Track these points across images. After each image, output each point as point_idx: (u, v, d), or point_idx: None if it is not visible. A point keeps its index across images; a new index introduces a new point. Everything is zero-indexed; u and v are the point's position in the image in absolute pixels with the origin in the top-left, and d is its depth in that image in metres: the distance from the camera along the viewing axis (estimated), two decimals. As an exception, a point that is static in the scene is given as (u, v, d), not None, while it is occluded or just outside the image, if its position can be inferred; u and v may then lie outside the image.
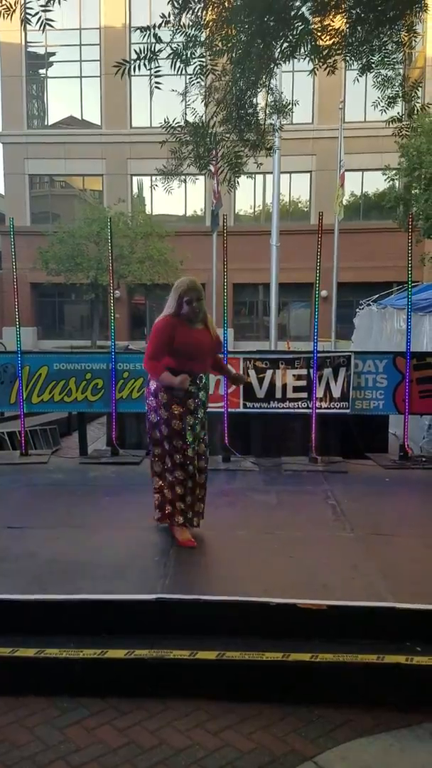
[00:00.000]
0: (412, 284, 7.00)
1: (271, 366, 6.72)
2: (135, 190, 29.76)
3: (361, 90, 21.88)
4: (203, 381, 4.32)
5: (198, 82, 5.25)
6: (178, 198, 28.58)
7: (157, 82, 4.47)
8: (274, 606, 3.47)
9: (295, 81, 22.69)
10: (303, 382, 6.70)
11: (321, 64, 4.88)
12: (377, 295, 14.51)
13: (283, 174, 19.92)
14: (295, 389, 6.76)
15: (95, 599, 3.56)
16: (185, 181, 6.74)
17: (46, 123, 30.33)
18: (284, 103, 5.83)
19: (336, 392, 6.73)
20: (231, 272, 7.02)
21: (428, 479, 6.20)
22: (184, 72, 4.94)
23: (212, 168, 6.58)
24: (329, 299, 21.24)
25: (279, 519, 4.96)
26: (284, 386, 6.71)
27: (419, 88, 5.64)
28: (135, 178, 29.51)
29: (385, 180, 17.22)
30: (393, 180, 17.33)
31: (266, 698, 3.16)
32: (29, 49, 29.33)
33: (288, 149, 20.01)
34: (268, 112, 5.76)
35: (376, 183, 24.91)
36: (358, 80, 5.22)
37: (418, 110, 5.90)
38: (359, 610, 3.43)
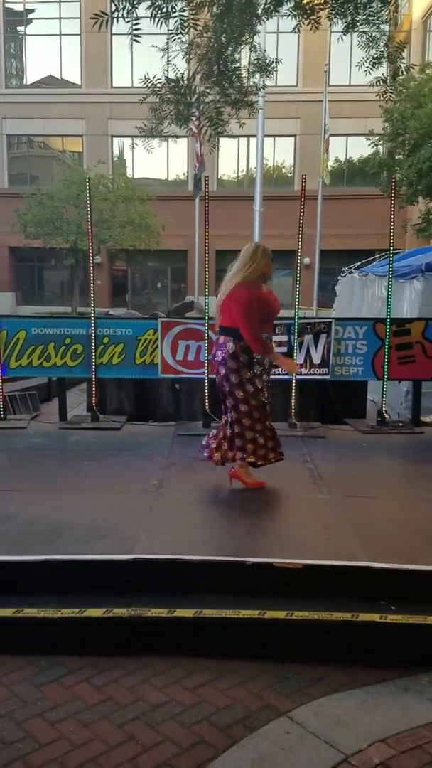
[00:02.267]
0: (394, 251, 6.98)
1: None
2: (116, 152, 29.18)
3: (346, 53, 21.56)
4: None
5: (179, 38, 5.10)
6: (160, 162, 28.10)
7: (135, 35, 4.33)
8: (251, 565, 3.51)
9: (279, 42, 22.23)
10: (283, 348, 6.68)
11: (304, 20, 4.76)
12: (359, 263, 14.46)
13: (267, 137, 19.62)
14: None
15: (73, 559, 3.58)
16: (167, 142, 6.61)
17: (24, 82, 29.53)
18: (267, 61, 5.69)
19: (316, 358, 6.73)
20: (214, 238, 6.94)
21: (404, 443, 6.27)
22: (164, 26, 4.79)
23: (194, 128, 6.45)
24: (312, 267, 21.16)
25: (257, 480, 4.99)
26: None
27: (404, 49, 5.53)
28: (116, 140, 28.92)
29: (369, 145, 17.04)
30: (377, 145, 17.14)
31: (242, 655, 3.21)
32: (7, 5, 28.39)
33: (272, 112, 19.70)
34: (251, 70, 5.63)
35: (360, 148, 24.66)
36: (342, 39, 5.13)
37: (402, 72, 5.79)
38: (334, 569, 3.48)
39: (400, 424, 6.73)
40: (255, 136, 16.49)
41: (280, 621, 3.25)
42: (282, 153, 28.00)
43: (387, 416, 6.67)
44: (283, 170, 28.59)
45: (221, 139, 20.81)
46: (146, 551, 3.64)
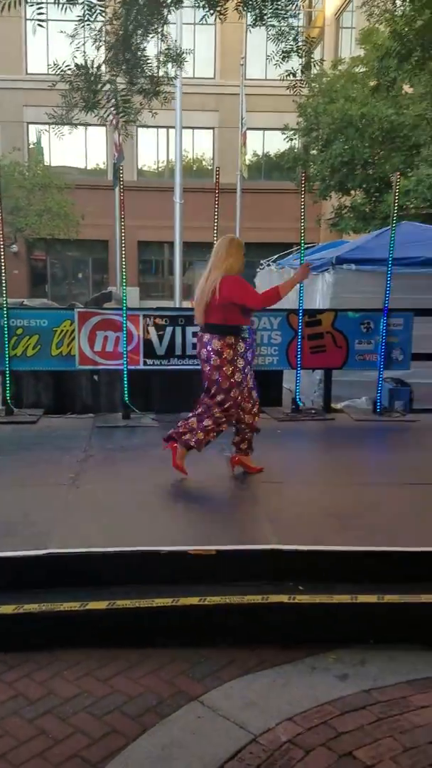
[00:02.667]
0: (309, 245, 7.13)
1: (170, 323, 6.69)
2: (32, 139, 28.41)
3: (262, 47, 21.76)
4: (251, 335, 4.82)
5: (87, 25, 5.01)
6: (79, 150, 27.56)
7: (39, 20, 4.22)
8: (165, 554, 3.53)
9: (196, 34, 22.19)
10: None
11: (211, 12, 4.77)
12: (276, 256, 14.68)
13: (186, 129, 19.59)
14: (195, 346, 6.77)
15: (-17, 556, 3.49)
16: (86, 130, 6.48)
17: None
18: (179, 51, 5.68)
19: (234, 349, 6.79)
20: (135, 229, 6.95)
21: (317, 430, 6.45)
22: (72, 12, 4.70)
23: (105, 117, 6.37)
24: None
25: (175, 472, 5.00)
26: (184, 343, 6.71)
27: (313, 43, 5.63)
28: (32, 127, 28.14)
29: (285, 140, 17.27)
30: (292, 140, 17.40)
31: (157, 643, 3.23)
32: None
33: (190, 104, 19.69)
34: (162, 60, 5.60)
35: (277, 143, 24.98)
36: (251, 31, 5.16)
37: (312, 65, 5.90)
38: (246, 553, 3.54)
39: (313, 411, 6.91)
40: (173, 127, 16.42)
41: (194, 607, 3.29)
42: (201, 145, 28.02)
43: (301, 404, 6.83)
44: (203, 162, 28.62)
45: (140, 129, 20.65)
46: (61, 546, 3.60)
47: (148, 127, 13.90)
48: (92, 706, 2.80)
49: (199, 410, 4.76)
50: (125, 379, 6.55)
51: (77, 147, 27.10)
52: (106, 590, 3.40)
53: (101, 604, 3.29)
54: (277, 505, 4.31)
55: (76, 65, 5.13)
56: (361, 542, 3.67)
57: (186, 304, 20.50)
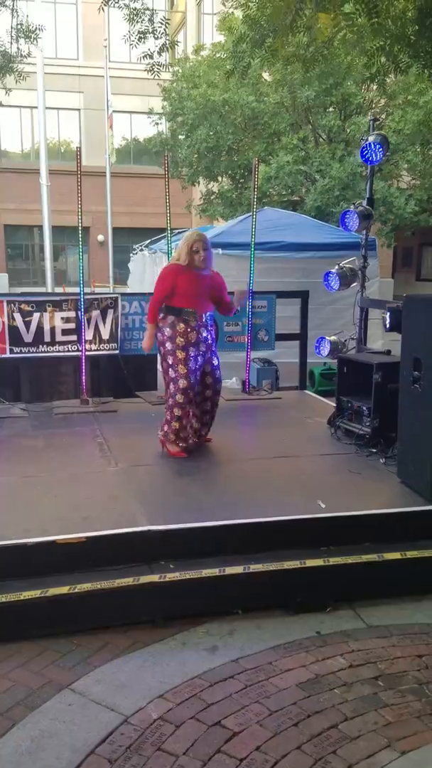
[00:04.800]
0: (180, 230, 7.15)
1: (38, 309, 6.49)
2: None
3: (124, 29, 21.45)
4: (204, 319, 4.82)
5: None
6: None
7: None
8: (32, 545, 3.45)
9: (57, 13, 21.51)
10: (72, 325, 6.58)
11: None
12: (148, 240, 14.62)
13: (51, 110, 18.97)
14: (64, 332, 6.62)
15: None
16: None
17: None
18: (31, 28, 5.47)
19: (105, 334, 6.72)
20: (2, 212, 6.59)
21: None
22: None
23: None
24: (106, 244, 20.96)
25: (46, 462, 4.90)
26: (53, 329, 6.54)
27: (169, 25, 5.62)
28: None
29: (150, 124, 17.14)
30: (158, 124, 17.33)
31: (26, 637, 3.17)
32: None
33: (53, 84, 19.07)
34: (13, 35, 5.38)
35: (145, 127, 24.80)
36: (102, 10, 5.05)
37: (168, 47, 5.89)
38: (117, 537, 3.53)
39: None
40: (37, 107, 15.82)
41: (63, 596, 3.25)
42: (67, 127, 27.24)
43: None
44: (71, 144, 27.84)
45: (1, 110, 19.75)
46: None
47: (9, 106, 13.30)
48: (-43, 706, 2.71)
49: None
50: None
51: None
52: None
53: (-35, 602, 3.17)
54: (147, 486, 4.33)
55: None
56: (229, 516, 3.76)
57: (59, 290, 20.03)
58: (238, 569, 3.41)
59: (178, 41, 5.52)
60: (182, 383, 4.76)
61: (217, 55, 14.45)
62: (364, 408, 5.12)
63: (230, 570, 3.40)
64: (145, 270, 13.25)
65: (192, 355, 4.77)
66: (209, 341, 4.92)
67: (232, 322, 6.89)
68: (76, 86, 25.35)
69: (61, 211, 17.03)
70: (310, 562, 3.49)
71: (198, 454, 5.02)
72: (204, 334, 4.84)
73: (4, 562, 3.43)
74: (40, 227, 18.23)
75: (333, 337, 6.32)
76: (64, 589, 3.28)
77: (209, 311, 4.91)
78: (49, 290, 15.69)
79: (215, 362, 5.01)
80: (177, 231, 7.14)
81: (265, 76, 13.75)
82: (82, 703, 2.73)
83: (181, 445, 4.93)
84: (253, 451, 5.25)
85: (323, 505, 3.90)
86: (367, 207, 6.14)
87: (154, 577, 3.35)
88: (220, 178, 15.47)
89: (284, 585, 3.46)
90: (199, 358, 4.82)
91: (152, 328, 4.86)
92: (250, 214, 7.35)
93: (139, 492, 4.19)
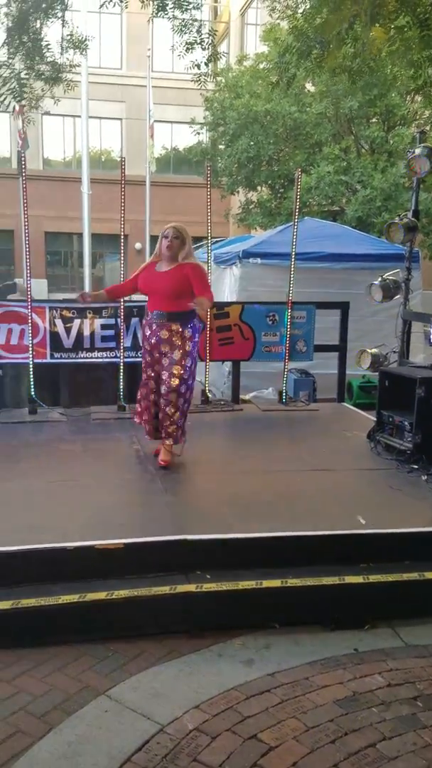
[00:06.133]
0: (217, 239, 7.18)
1: (78, 315, 6.56)
2: None
3: (168, 39, 21.67)
4: (149, 317, 4.80)
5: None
6: (-19, 138, 26.51)
7: None
8: (72, 550, 3.48)
9: (103, 23, 21.84)
10: (111, 332, 6.64)
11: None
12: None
13: (93, 119, 19.21)
14: (104, 338, 6.69)
15: None
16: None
17: None
18: (81, 38, 5.56)
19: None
20: (42, 220, 6.77)
21: (225, 420, 6.52)
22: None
23: (14, 103, 6.17)
24: (143, 252, 21.13)
25: (84, 466, 4.95)
26: (92, 335, 6.61)
27: (217, 36, 5.65)
28: None
29: (192, 134, 17.27)
30: (199, 134, 17.45)
31: (64, 641, 3.18)
32: None
33: (97, 94, 19.33)
34: (64, 46, 5.47)
35: (185, 137, 24.98)
36: (152, 21, 5.11)
37: (215, 58, 5.92)
38: (153, 545, 3.54)
39: (222, 402, 6.98)
40: (80, 116, 16.06)
41: (101, 602, 3.26)
42: (109, 136, 27.59)
43: (210, 395, 6.89)
44: (112, 154, 28.20)
45: (45, 118, 20.08)
46: (-41, 545, 3.48)
47: (53, 115, 13.55)
48: (-5, 708, 2.73)
49: None
50: (31, 373, 6.37)
51: (-21, 134, 26.08)
52: (11, 590, 3.31)
53: (5, 604, 3.21)
54: (185, 496, 4.34)
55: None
56: (266, 528, 3.74)
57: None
58: (275, 583, 3.39)
59: (225, 53, 5.59)
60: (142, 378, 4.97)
61: (260, 66, 14.51)
62: (406, 423, 5.05)
63: (267, 583, 3.38)
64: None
65: (148, 349, 4.88)
66: (156, 340, 4.73)
67: (270, 333, 6.88)
68: (118, 96, 25.68)
69: (99, 219, 17.24)
70: (349, 579, 3.45)
71: (234, 464, 5.01)
72: (149, 332, 4.80)
73: (44, 566, 3.46)
74: (79, 234, 18.49)
75: (374, 350, 6.26)
76: (101, 595, 3.29)
77: (165, 309, 4.70)
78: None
79: (165, 363, 4.73)
80: (215, 240, 7.18)
81: (308, 86, 13.76)
82: (119, 710, 2.73)
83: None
84: (290, 463, 5.20)
85: (363, 521, 3.85)
86: (413, 219, 6.09)
87: (191, 587, 3.34)
88: (259, 188, 15.50)
89: (322, 600, 3.42)
90: (146, 356, 4.89)
91: (99, 296, 5.25)
92: (290, 224, 7.35)
93: (176, 500, 4.19)
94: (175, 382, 4.71)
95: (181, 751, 2.49)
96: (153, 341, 4.77)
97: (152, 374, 4.88)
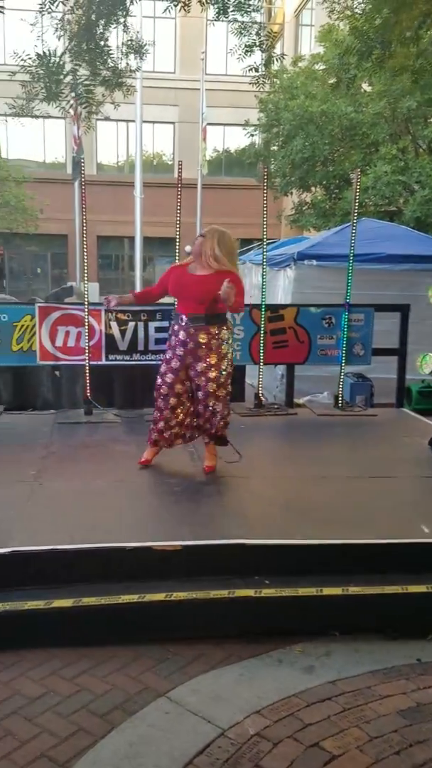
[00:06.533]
0: (269, 241, 7.15)
1: (133, 318, 6.63)
2: (-12, 131, 27.81)
3: (222, 41, 21.71)
4: (183, 321, 4.62)
5: (49, 12, 4.93)
6: (37, 143, 27.10)
7: (1, 6, 4.13)
8: (130, 550, 3.51)
9: (156, 27, 22.06)
10: (164, 335, 6.66)
11: (175, 3, 4.73)
12: (237, 251, 14.71)
13: (146, 123, 19.43)
14: (158, 341, 6.73)
15: None
16: (44, 123, 6.38)
17: None
18: (141, 43, 5.62)
19: (195, 344, 6.78)
20: (95, 224, 6.87)
21: (279, 424, 6.48)
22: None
23: (70, 109, 6.27)
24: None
25: (137, 468, 4.98)
26: (146, 338, 6.66)
27: (275, 38, 5.64)
28: (-12, 119, 27.58)
29: (246, 135, 17.29)
30: (253, 136, 17.45)
31: (123, 641, 3.21)
32: None
33: (150, 98, 19.54)
34: (124, 51, 5.54)
35: (237, 139, 24.99)
36: (214, 24, 5.13)
37: (274, 60, 5.90)
38: (211, 548, 3.54)
39: (276, 407, 6.94)
40: (134, 121, 16.27)
41: (160, 603, 3.28)
42: (161, 140, 27.86)
43: (263, 399, 6.86)
44: (164, 157, 28.46)
45: (99, 123, 20.38)
46: (23, 543, 3.54)
47: (108, 120, 13.79)
48: (59, 705, 2.77)
49: None
50: (87, 374, 6.47)
51: (35, 140, 26.66)
52: (72, 588, 3.36)
53: (66, 602, 3.25)
54: (241, 499, 4.32)
55: (37, 54, 5.03)
56: (325, 535, 3.70)
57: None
58: (336, 590, 3.34)
59: (285, 54, 5.58)
60: (158, 380, 4.78)
61: (315, 66, 14.42)
62: (467, 429, 4.93)
63: (328, 590, 3.34)
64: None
65: (168, 356, 4.74)
66: (194, 345, 4.59)
67: (326, 336, 6.81)
68: (171, 99, 25.90)
69: (149, 223, 17.39)
70: (412, 588, 3.38)
71: (290, 469, 4.97)
72: (185, 336, 4.60)
73: (103, 565, 3.50)
74: (130, 238, 18.71)
75: (435, 354, 6.12)
76: (160, 596, 3.31)
77: (203, 312, 4.57)
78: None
79: (198, 368, 4.62)
80: (268, 241, 7.14)
81: (364, 86, 13.61)
82: (179, 713, 2.73)
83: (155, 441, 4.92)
84: (348, 469, 5.13)
85: (426, 530, 3.77)
86: None
87: (250, 592, 3.33)
88: (313, 189, 15.40)
89: (384, 609, 3.36)
90: (174, 361, 4.68)
91: (125, 300, 5.30)
92: (346, 225, 7.25)
93: (232, 503, 4.19)
94: (214, 386, 4.67)
95: (242, 756, 2.48)
96: (191, 346, 4.59)
97: (179, 380, 4.69)
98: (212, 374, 4.63)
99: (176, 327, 4.69)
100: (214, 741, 2.56)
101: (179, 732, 2.61)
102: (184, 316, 4.62)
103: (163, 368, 4.76)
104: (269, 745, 2.54)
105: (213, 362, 4.62)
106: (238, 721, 2.67)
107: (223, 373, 4.68)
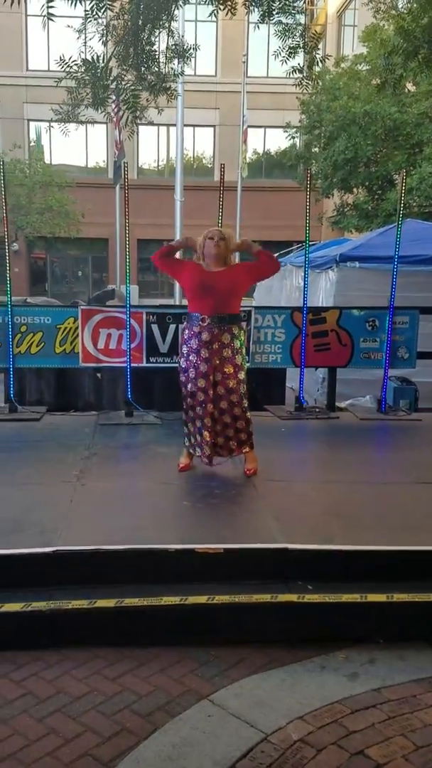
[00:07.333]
0: (311, 243, 7.10)
1: (174, 321, 6.67)
2: (33, 136, 28.33)
3: (263, 44, 21.70)
4: (206, 322, 4.52)
5: (95, 19, 4.98)
6: (79, 148, 27.50)
7: (50, 14, 4.19)
8: (173, 552, 3.52)
9: (198, 31, 22.18)
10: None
11: (221, 6, 4.74)
12: (277, 254, 14.64)
13: (187, 127, 19.54)
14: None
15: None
16: (86, 128, 6.46)
17: None
18: (185, 47, 5.65)
19: (237, 347, 6.77)
20: (135, 227, 6.87)
21: (320, 428, 6.43)
22: (80, 6, 4.67)
23: (112, 113, 6.33)
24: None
25: (178, 470, 4.99)
26: (187, 341, 6.68)
27: (320, 40, 5.61)
28: (32, 124, 28.07)
29: (287, 138, 17.26)
30: (294, 138, 17.39)
31: (165, 642, 3.22)
32: None
33: (191, 101, 19.63)
34: (168, 55, 5.57)
35: (278, 141, 24.94)
36: (258, 28, 5.12)
37: (318, 62, 5.88)
38: (253, 552, 3.52)
39: (317, 410, 6.88)
40: (174, 125, 16.37)
41: (202, 606, 3.27)
42: (201, 143, 27.98)
43: (305, 402, 6.81)
44: (203, 161, 28.57)
45: (140, 127, 20.60)
46: (67, 543, 3.58)
47: (151, 124, 13.92)
48: (102, 704, 2.79)
49: None
50: (128, 376, 6.53)
51: (78, 145, 27.05)
52: (114, 588, 3.38)
53: (109, 603, 3.28)
54: (283, 503, 4.29)
55: (83, 60, 5.09)
56: (368, 541, 3.65)
57: (185, 303, 20.51)
58: (380, 597, 3.30)
59: (329, 56, 5.53)
60: (183, 390, 4.71)
61: (358, 67, 14.30)
62: None
63: (372, 597, 3.30)
64: (273, 283, 13.27)
65: (193, 361, 4.58)
66: (219, 346, 4.52)
67: (369, 339, 6.74)
68: (212, 103, 26.01)
69: (188, 225, 17.43)
70: (460, 596, 3.31)
71: (332, 473, 4.92)
72: (208, 337, 4.50)
73: (145, 566, 3.52)
74: (170, 241, 18.79)
75: None
76: (202, 599, 3.31)
77: (225, 312, 4.53)
78: (177, 302, 16.11)
79: (227, 371, 4.56)
80: (310, 243, 7.08)
81: (409, 86, 13.45)
82: (222, 716, 2.73)
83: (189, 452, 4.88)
84: (391, 474, 5.06)
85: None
86: None
87: (293, 597, 3.30)
88: (355, 190, 15.28)
89: (429, 617, 3.30)
90: (201, 365, 4.56)
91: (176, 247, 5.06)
92: (390, 226, 7.16)
93: (274, 507, 4.16)
94: (243, 388, 4.65)
95: (285, 762, 2.46)
96: (215, 347, 4.51)
97: (203, 385, 4.59)
98: (241, 375, 4.64)
99: (196, 329, 4.55)
100: (257, 745, 2.55)
101: (222, 735, 2.61)
102: (206, 317, 4.52)
103: (192, 373, 4.59)
104: (313, 752, 2.51)
105: (239, 363, 4.64)
106: (281, 727, 2.65)
107: (244, 374, 4.69)
